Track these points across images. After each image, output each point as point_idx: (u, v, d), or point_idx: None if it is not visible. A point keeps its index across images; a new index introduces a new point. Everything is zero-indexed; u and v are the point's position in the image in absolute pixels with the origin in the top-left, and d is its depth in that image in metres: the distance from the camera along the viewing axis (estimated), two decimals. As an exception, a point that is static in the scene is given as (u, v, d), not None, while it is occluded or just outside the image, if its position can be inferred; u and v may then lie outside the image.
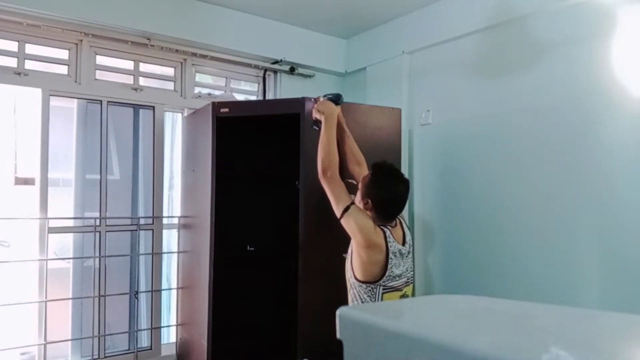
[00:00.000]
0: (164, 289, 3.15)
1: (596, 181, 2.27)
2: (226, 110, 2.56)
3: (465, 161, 2.88)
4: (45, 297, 2.64)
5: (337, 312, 0.74)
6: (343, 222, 1.96)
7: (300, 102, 2.46)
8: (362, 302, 1.96)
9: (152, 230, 3.05)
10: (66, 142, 2.98)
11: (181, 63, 3.18)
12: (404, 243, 2.04)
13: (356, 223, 1.93)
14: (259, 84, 3.55)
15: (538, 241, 2.48)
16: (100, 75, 2.91)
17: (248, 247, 3.03)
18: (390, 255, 1.96)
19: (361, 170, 2.22)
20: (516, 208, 2.59)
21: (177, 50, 3.08)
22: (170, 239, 3.23)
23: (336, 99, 2.19)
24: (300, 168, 2.43)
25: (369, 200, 2.02)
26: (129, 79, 3.01)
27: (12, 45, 2.64)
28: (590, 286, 2.27)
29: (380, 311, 0.75)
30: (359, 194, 2.07)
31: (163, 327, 3.09)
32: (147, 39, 2.93)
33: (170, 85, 3.19)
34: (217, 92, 3.30)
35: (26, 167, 4.29)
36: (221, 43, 3.15)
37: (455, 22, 2.92)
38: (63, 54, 2.80)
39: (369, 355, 0.67)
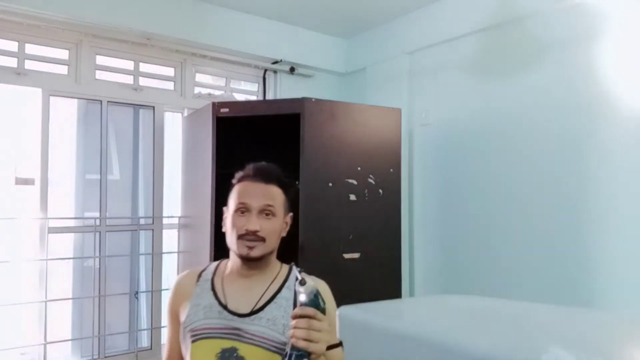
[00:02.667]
0: (164, 289, 3.15)
1: (596, 180, 2.27)
2: (226, 110, 2.56)
3: (466, 161, 2.88)
4: (45, 297, 2.64)
5: (337, 312, 0.74)
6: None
7: (300, 102, 2.46)
8: None
9: (152, 230, 3.05)
10: (66, 142, 2.97)
11: (181, 63, 3.18)
12: None
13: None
14: (259, 84, 3.55)
15: (539, 240, 2.48)
16: (100, 75, 2.90)
17: (248, 247, 3.02)
18: None
19: None
20: (517, 208, 2.60)
21: (177, 50, 3.07)
22: (170, 239, 3.22)
23: None
24: (300, 168, 2.42)
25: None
26: (129, 79, 3.01)
27: (12, 45, 2.64)
28: (592, 285, 2.27)
29: (380, 311, 0.75)
30: (282, 209, 1.40)
31: (163, 327, 3.09)
32: (147, 39, 2.93)
33: (170, 85, 3.19)
34: (217, 92, 3.30)
35: (26, 167, 4.28)
36: (221, 43, 3.15)
37: (455, 22, 2.92)
38: (63, 54, 2.80)
39: (369, 355, 0.67)
